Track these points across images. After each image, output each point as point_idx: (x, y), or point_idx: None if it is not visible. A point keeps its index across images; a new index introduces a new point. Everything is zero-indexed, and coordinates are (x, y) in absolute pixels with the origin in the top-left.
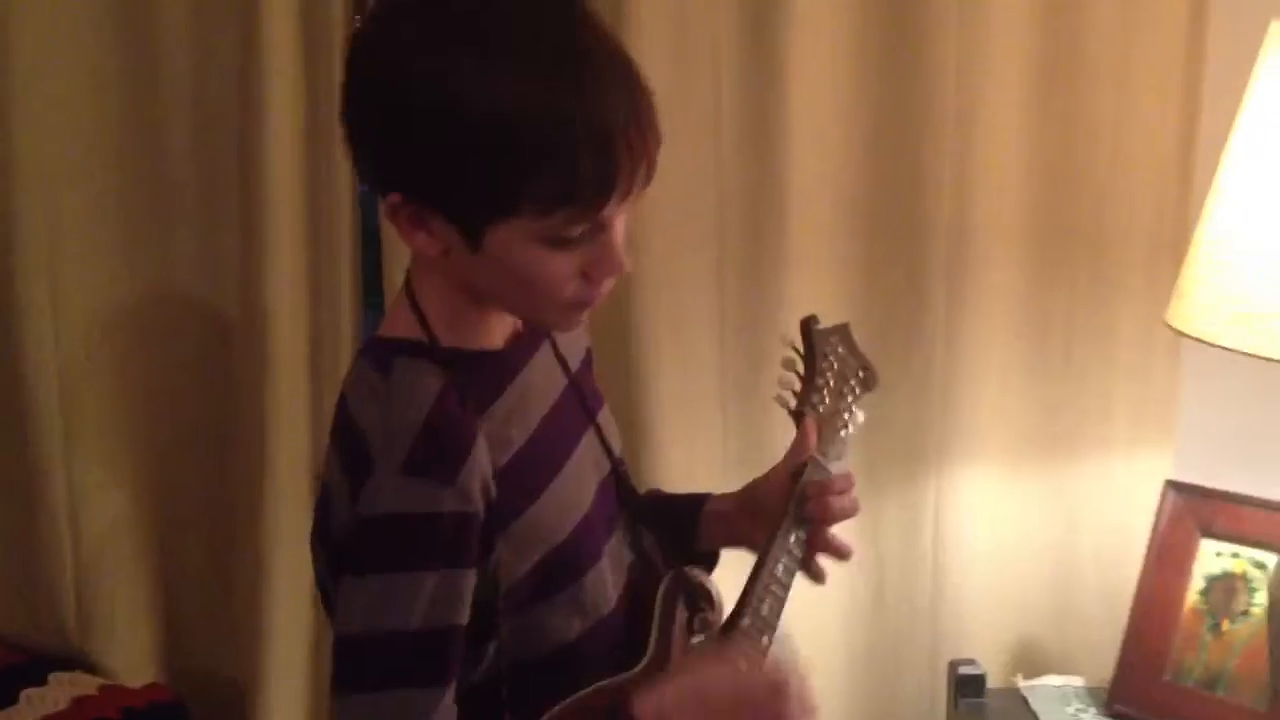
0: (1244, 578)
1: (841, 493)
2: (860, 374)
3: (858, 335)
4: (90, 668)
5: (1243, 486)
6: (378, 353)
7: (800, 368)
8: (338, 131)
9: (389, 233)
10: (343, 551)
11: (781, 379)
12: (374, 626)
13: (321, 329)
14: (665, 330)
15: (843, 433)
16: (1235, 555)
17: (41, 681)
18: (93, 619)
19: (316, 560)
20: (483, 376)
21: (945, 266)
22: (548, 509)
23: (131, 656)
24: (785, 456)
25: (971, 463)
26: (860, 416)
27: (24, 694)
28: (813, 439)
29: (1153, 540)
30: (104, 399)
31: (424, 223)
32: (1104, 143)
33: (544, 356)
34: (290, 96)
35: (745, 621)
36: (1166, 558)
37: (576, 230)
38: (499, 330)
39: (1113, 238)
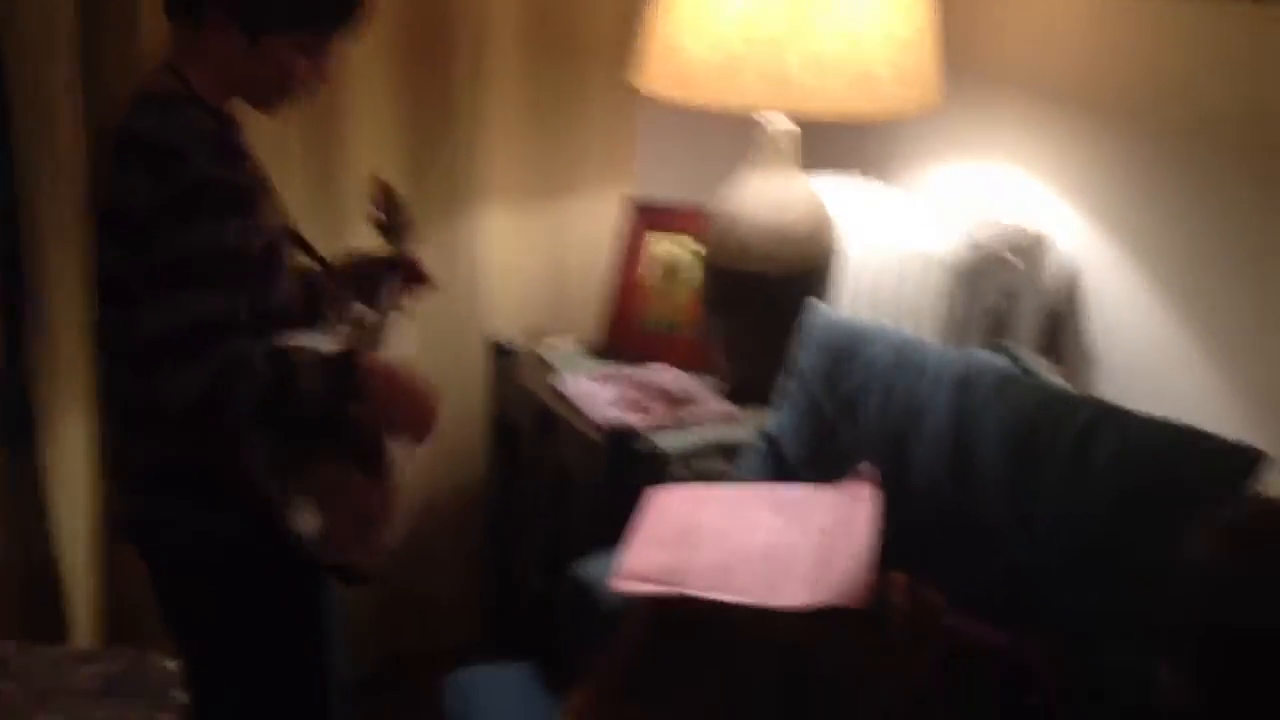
0: (680, 258)
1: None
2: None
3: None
4: None
5: (677, 196)
6: (156, 100)
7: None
8: None
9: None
10: (160, 220)
11: (370, 214)
12: (202, 251)
13: None
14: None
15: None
16: (675, 243)
17: None
18: None
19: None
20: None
21: (469, 60)
22: (267, 210)
23: None
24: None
25: (491, 203)
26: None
27: None
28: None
29: (619, 239)
30: None
31: (226, 29)
32: None
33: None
34: None
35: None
36: (629, 250)
37: (320, 43)
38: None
39: (584, 41)
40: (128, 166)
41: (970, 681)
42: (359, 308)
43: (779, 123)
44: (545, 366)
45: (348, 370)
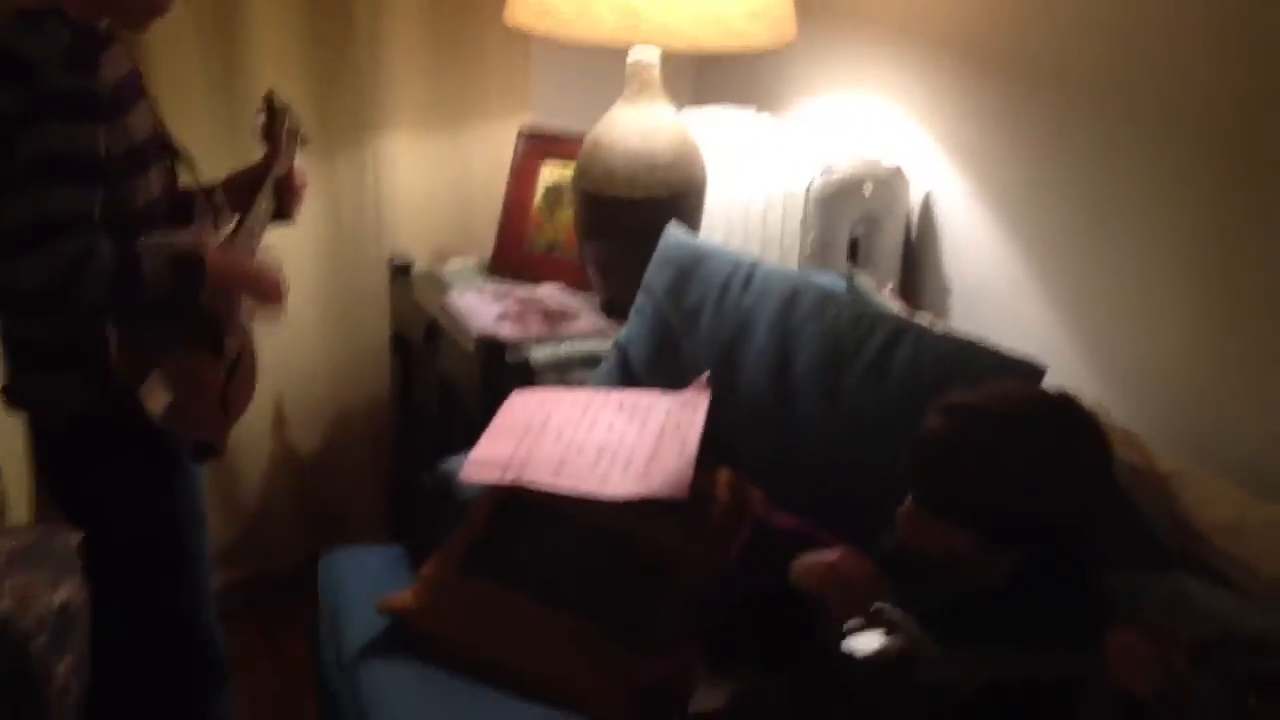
0: (564, 183)
1: (300, 172)
2: (300, 129)
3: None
4: None
5: (573, 128)
6: (26, 16)
7: (263, 118)
8: None
9: None
10: (15, 124)
11: (255, 125)
12: (53, 153)
13: None
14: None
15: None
16: (563, 170)
17: None
18: None
19: None
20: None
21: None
22: (135, 117)
23: None
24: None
25: (395, 129)
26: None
27: None
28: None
29: (512, 166)
30: None
31: None
32: None
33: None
34: None
35: (244, 230)
36: (521, 177)
37: None
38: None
39: None
40: None
41: (770, 563)
42: (234, 216)
43: (642, 54)
44: (439, 285)
45: (190, 259)
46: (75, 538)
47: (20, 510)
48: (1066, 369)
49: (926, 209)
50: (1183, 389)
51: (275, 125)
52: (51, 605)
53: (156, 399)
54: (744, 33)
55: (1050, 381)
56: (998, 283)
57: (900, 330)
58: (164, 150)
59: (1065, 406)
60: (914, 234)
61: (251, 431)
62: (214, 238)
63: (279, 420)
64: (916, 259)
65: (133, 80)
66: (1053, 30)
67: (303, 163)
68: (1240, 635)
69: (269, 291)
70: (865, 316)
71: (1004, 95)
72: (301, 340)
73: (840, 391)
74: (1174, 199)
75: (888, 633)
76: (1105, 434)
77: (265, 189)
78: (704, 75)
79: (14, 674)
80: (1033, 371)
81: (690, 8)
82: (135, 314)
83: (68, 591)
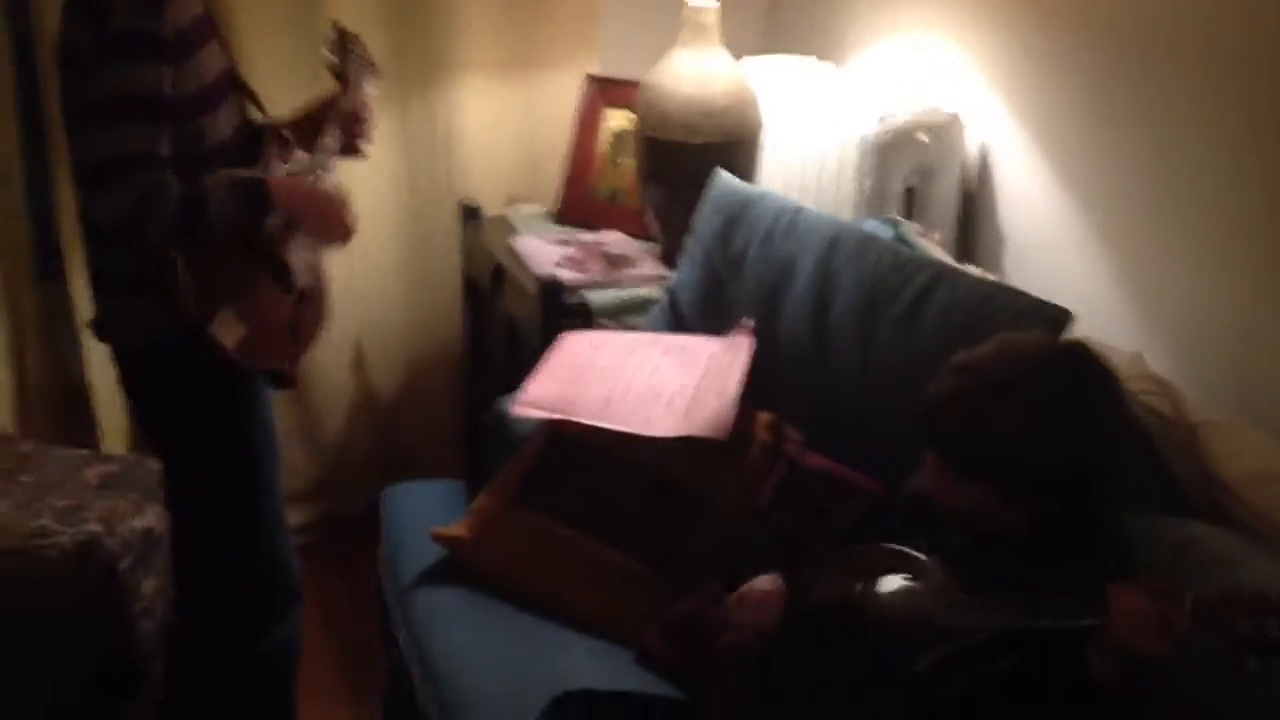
0: (627, 130)
1: (369, 110)
2: (371, 60)
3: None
4: None
5: (631, 75)
6: None
7: (332, 51)
8: None
9: None
10: (92, 64)
11: (325, 59)
12: (123, 92)
13: None
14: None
15: (367, 88)
16: (627, 117)
17: None
18: None
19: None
20: None
21: None
22: (205, 58)
23: None
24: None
25: (467, 76)
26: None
27: None
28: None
29: (578, 113)
30: None
31: None
32: None
33: None
34: None
35: (313, 163)
36: (586, 123)
37: None
38: None
39: None
40: (72, 14)
41: (801, 500)
42: (300, 151)
43: (699, 1)
44: (507, 228)
45: (258, 189)
46: (158, 466)
47: (117, 438)
48: (1115, 321)
49: (983, 159)
50: (1229, 341)
51: (345, 56)
52: (136, 529)
53: (228, 331)
54: None
55: (1098, 333)
56: (1049, 235)
57: (938, 275)
58: (235, 89)
59: (1075, 357)
60: (972, 185)
61: (331, 372)
62: (280, 170)
63: (358, 361)
64: (974, 209)
65: (203, 22)
66: None
67: (371, 95)
68: (1246, 593)
69: (335, 219)
70: (906, 262)
71: (1063, 46)
72: (378, 281)
73: (875, 335)
74: (1226, 156)
75: (914, 578)
76: (1118, 384)
77: (331, 124)
78: (772, 23)
79: (102, 591)
80: (1060, 316)
81: None
82: (205, 248)
83: (152, 516)
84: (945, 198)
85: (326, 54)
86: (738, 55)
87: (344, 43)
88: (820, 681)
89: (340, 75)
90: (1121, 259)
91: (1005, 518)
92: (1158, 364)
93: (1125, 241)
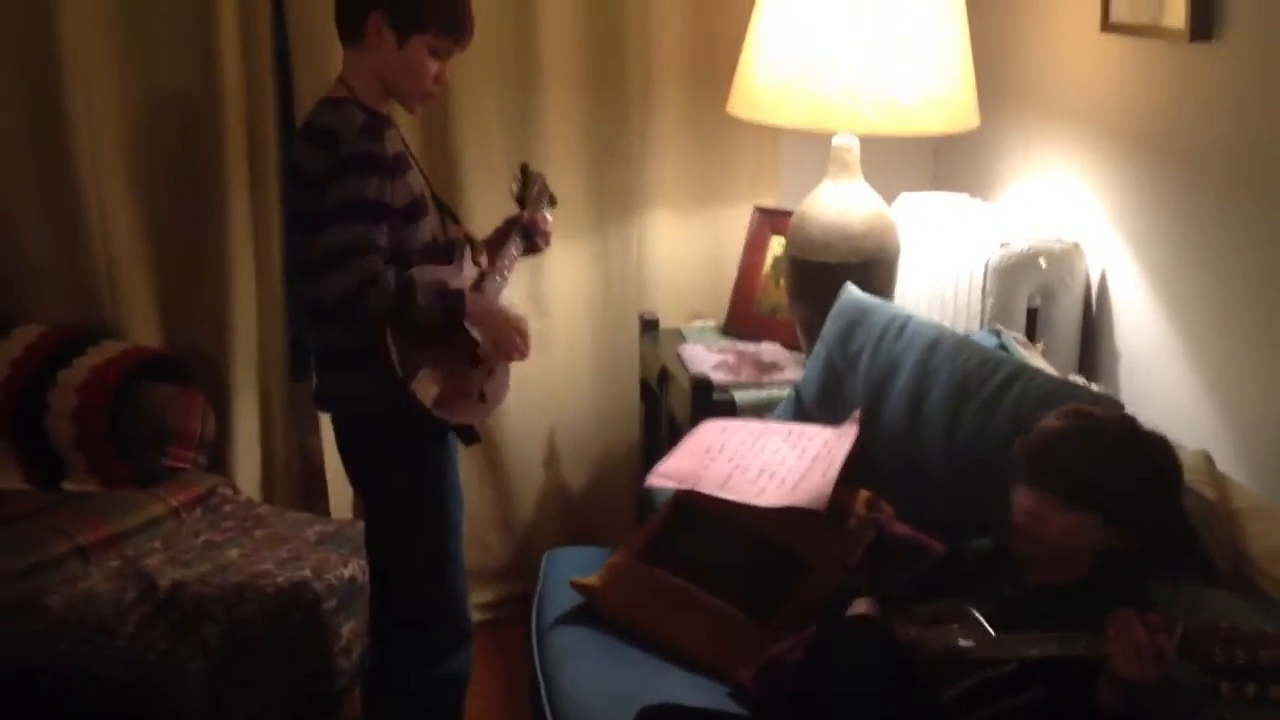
0: None
1: (546, 221)
2: (549, 192)
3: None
4: (120, 337)
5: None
6: (329, 101)
7: (518, 185)
8: None
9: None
10: (326, 179)
11: (511, 190)
12: (352, 198)
13: (254, 111)
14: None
15: (545, 211)
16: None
17: (82, 351)
18: (119, 302)
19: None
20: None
21: (639, 91)
22: (410, 179)
23: (146, 329)
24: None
25: (659, 208)
26: (549, 209)
27: (74, 360)
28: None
29: (747, 239)
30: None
31: (380, 30)
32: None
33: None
34: None
35: (496, 267)
36: (754, 247)
37: (445, 50)
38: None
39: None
40: (307, 145)
41: (885, 559)
42: (486, 260)
43: (842, 140)
44: (678, 338)
45: (457, 300)
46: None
47: (345, 503)
48: (1206, 432)
49: (1103, 284)
50: None
51: (528, 190)
52: (343, 576)
53: (426, 390)
54: (922, 119)
55: (1190, 442)
56: (1155, 352)
57: (1017, 371)
58: (435, 207)
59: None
60: (1092, 307)
61: (524, 460)
62: (471, 270)
63: (550, 456)
64: (1092, 330)
65: (404, 156)
66: (1215, 121)
67: (548, 217)
68: (1222, 625)
69: (512, 340)
70: (990, 359)
71: (1176, 183)
72: (570, 381)
73: (960, 422)
74: None
75: (959, 628)
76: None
77: (513, 235)
78: (939, 164)
79: (308, 627)
80: (1115, 408)
81: (870, 97)
82: (412, 327)
83: (356, 567)
84: (1066, 318)
85: (513, 186)
86: (903, 191)
87: (526, 178)
88: (856, 706)
89: (520, 200)
90: (1219, 380)
91: (1092, 545)
92: (1225, 464)
93: (1213, 357)
